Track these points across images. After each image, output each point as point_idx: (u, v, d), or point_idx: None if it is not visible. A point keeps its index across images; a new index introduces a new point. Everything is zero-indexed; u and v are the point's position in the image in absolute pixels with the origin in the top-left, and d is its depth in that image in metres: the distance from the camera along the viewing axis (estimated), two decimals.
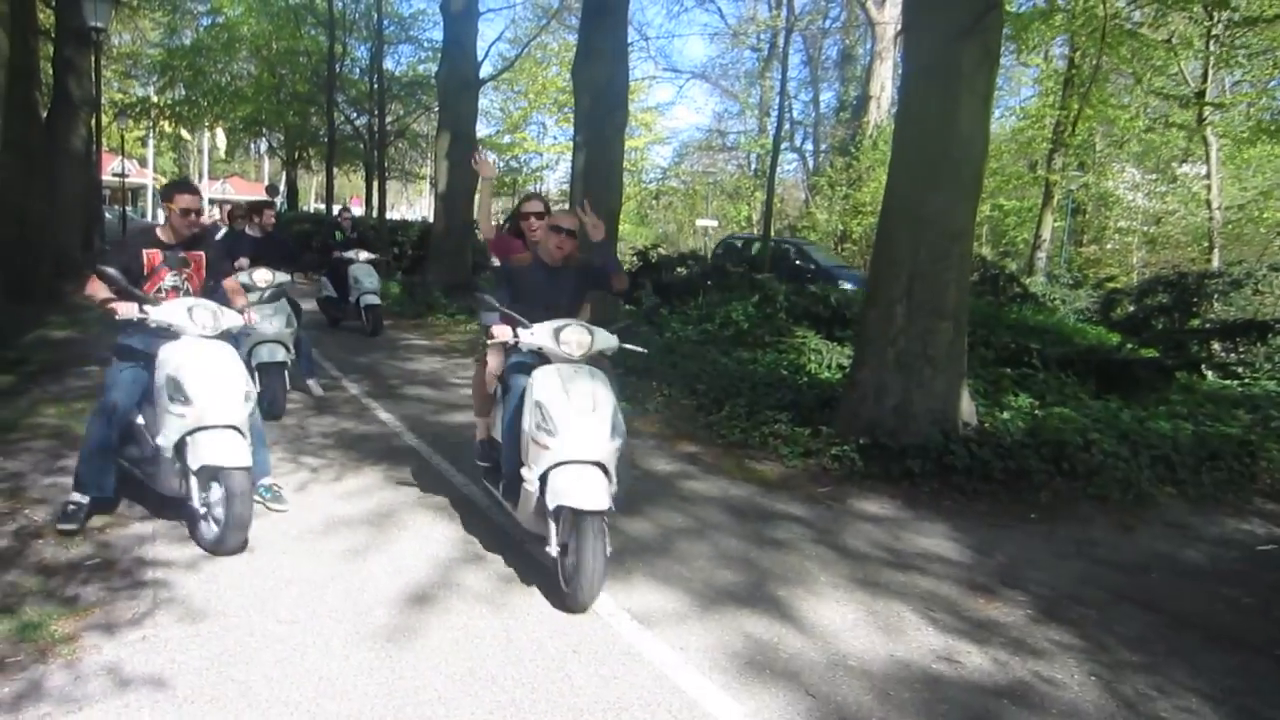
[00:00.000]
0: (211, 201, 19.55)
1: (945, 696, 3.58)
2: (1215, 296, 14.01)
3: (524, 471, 4.34)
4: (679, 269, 16.90)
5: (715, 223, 35.26)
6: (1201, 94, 19.69)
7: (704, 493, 6.25)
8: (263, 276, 7.81)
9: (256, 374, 7.21)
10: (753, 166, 38.44)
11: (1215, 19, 17.91)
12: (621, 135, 13.18)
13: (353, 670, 3.49)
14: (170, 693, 3.26)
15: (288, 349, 7.71)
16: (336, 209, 19.89)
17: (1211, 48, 19.00)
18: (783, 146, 31.36)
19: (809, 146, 39.78)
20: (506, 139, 35.64)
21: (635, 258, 18.70)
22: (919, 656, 3.90)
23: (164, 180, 49.80)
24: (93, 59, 16.60)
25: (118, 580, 4.19)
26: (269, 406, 7.23)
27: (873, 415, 7.03)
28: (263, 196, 20.69)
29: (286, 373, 7.65)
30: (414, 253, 23.01)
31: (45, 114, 15.55)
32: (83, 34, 15.81)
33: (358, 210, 37.60)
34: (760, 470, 6.86)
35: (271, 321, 7.57)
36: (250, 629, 3.78)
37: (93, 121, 18.36)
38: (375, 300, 13.07)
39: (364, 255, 12.99)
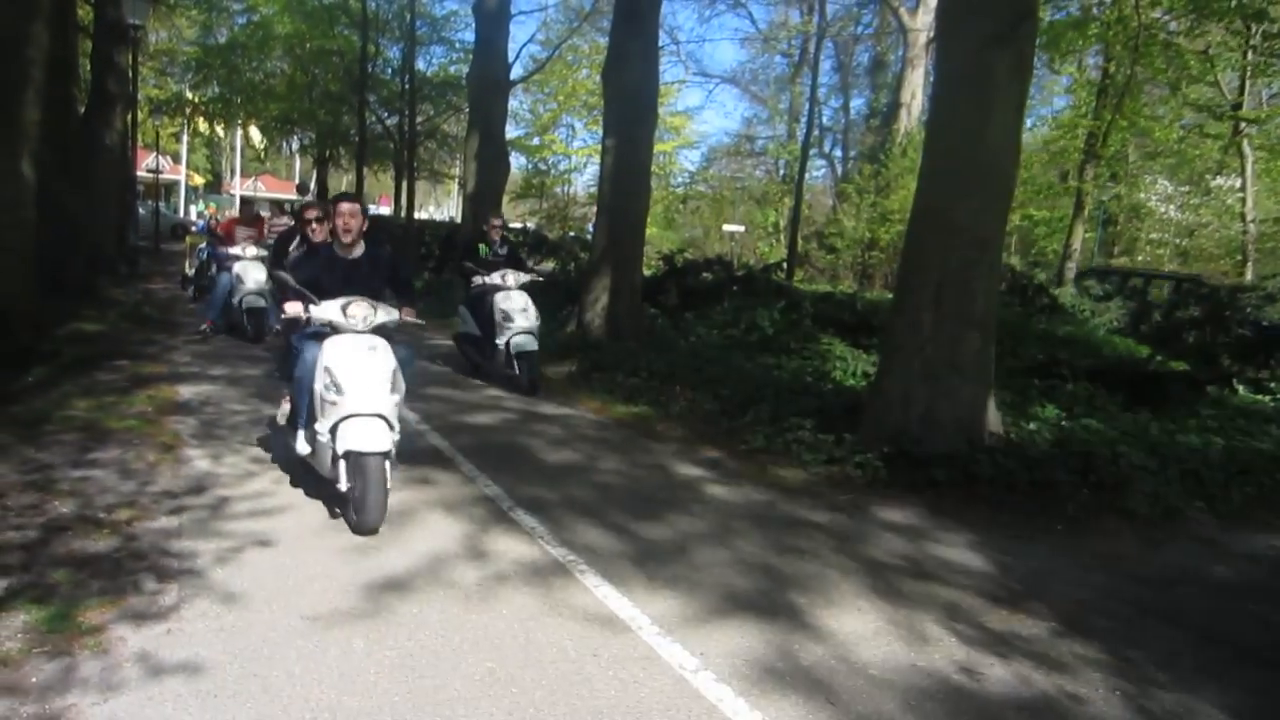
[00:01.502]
0: (245, 200, 19.53)
1: (967, 709, 3.55)
2: (1248, 310, 13.85)
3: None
4: (705, 274, 16.90)
5: (742, 228, 35.17)
6: (1238, 105, 19.47)
7: (725, 498, 6.23)
8: (361, 313, 5.27)
9: (343, 462, 4.96)
10: (781, 172, 38.38)
11: (1253, 30, 17.70)
12: (650, 139, 13.22)
13: (374, 668, 3.51)
14: (194, 686, 3.29)
15: (391, 426, 5.11)
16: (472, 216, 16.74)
17: (1249, 58, 18.79)
18: (811, 153, 31.35)
19: (838, 153, 39.87)
20: (535, 141, 35.76)
21: (661, 262, 18.69)
22: (941, 667, 3.87)
23: (198, 177, 50.51)
24: (130, 56, 16.82)
25: (144, 573, 4.22)
26: (360, 514, 4.93)
27: (898, 423, 6.99)
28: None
29: (388, 462, 5.05)
30: (440, 252, 23.23)
31: (82, 109, 15.79)
32: (121, 31, 16.02)
33: (386, 209, 37.96)
34: (783, 477, 6.84)
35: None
36: (274, 624, 3.81)
37: (128, 117, 18.60)
38: (532, 345, 9.38)
39: (512, 279, 9.49)
